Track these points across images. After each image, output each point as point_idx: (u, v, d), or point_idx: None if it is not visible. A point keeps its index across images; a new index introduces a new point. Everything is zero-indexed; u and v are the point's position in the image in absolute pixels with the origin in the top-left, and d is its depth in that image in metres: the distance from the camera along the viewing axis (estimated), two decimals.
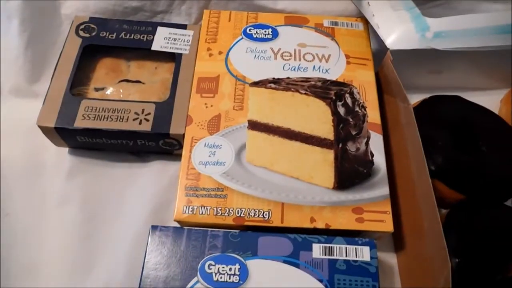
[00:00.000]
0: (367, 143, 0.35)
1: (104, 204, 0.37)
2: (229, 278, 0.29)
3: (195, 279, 0.29)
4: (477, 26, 0.39)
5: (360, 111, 0.36)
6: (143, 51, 0.39)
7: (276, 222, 0.31)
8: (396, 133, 0.37)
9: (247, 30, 0.39)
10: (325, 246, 0.30)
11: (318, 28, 0.40)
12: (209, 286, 0.28)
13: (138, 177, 0.38)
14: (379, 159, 0.34)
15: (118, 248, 0.35)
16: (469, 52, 0.39)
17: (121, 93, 0.37)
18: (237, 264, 0.29)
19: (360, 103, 0.36)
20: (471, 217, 0.33)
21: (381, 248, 0.36)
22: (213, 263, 0.29)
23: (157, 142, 0.35)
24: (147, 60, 0.40)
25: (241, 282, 0.28)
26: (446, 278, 0.27)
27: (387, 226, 0.31)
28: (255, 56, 0.38)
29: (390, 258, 0.36)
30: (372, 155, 0.34)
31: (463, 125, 0.37)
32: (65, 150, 0.38)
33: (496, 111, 0.42)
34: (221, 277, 0.29)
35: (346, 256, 0.30)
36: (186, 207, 0.31)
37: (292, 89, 0.36)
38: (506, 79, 0.43)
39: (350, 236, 0.31)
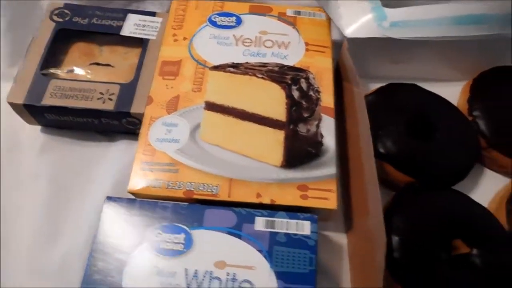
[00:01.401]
0: (318, 125, 0.36)
1: (72, 179, 0.39)
2: (174, 246, 0.30)
3: (142, 246, 0.30)
4: (434, 17, 0.40)
5: (314, 95, 0.37)
6: (116, 37, 0.41)
7: (223, 197, 0.32)
8: (351, 117, 0.39)
9: (212, 17, 0.41)
10: (267, 220, 0.31)
11: (281, 17, 0.42)
12: (155, 252, 0.30)
13: (105, 154, 0.40)
14: (330, 141, 0.35)
15: (82, 219, 0.37)
16: (431, 43, 0.40)
17: (90, 75, 0.39)
18: (183, 234, 0.31)
19: (315, 87, 0.38)
20: (416, 198, 0.35)
21: (333, 228, 0.38)
22: (160, 232, 0.31)
23: (120, 121, 0.37)
24: (119, 46, 0.42)
25: (185, 250, 0.30)
26: (381, 255, 0.28)
27: (331, 203, 0.33)
28: (218, 42, 0.40)
29: (340, 238, 0.37)
30: (322, 136, 0.35)
31: (418, 112, 0.38)
32: (38, 128, 0.41)
33: (456, 102, 0.43)
34: (167, 245, 0.30)
35: (287, 229, 0.31)
36: (140, 180, 0.33)
37: (250, 73, 0.37)
38: (468, 71, 0.44)
39: (298, 212, 0.32)
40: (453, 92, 0.44)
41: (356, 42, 0.40)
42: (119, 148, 0.40)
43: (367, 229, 0.33)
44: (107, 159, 0.39)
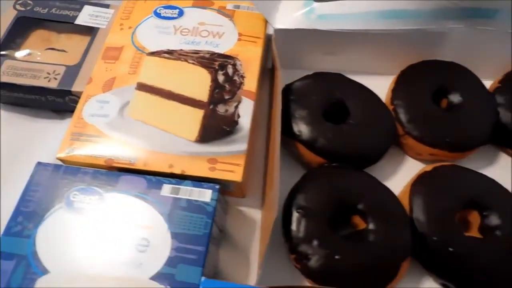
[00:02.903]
0: (236, 107, 0.39)
1: (22, 151, 0.43)
2: (87, 205, 0.34)
3: (60, 204, 0.34)
4: (359, 11, 0.42)
5: (238, 79, 0.40)
6: (73, 26, 0.46)
7: (139, 166, 0.36)
8: (275, 102, 0.41)
9: (157, 10, 0.45)
10: (173, 187, 0.34)
11: (221, 10, 0.45)
12: (68, 209, 0.33)
13: (54, 130, 0.44)
14: (246, 121, 0.38)
15: (22, 183, 0.40)
16: (363, 37, 0.43)
17: (44, 58, 0.43)
18: (97, 196, 0.34)
19: (240, 73, 0.41)
20: (320, 178, 0.36)
21: (252, 204, 0.40)
22: (77, 193, 0.34)
23: (63, 98, 0.41)
24: (75, 34, 0.46)
25: (96, 208, 0.34)
26: (270, 222, 0.31)
27: (236, 176, 0.35)
28: (158, 31, 0.43)
29: (256, 214, 0.39)
30: (239, 116, 0.38)
31: (336, 99, 0.41)
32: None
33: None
34: (80, 205, 0.34)
35: (190, 196, 0.34)
36: (68, 148, 0.37)
37: (182, 59, 0.41)
38: (401, 64, 0.45)
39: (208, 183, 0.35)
40: (387, 84, 0.46)
41: (285, 33, 0.43)
42: (67, 125, 0.44)
43: (269, 201, 0.35)
44: (55, 133, 0.43)
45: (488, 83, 0.44)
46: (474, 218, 0.36)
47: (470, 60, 0.44)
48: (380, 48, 0.45)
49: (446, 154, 0.39)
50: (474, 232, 0.35)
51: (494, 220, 0.34)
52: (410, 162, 0.42)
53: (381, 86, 0.45)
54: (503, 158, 0.42)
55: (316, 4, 0.42)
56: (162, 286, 0.30)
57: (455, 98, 0.41)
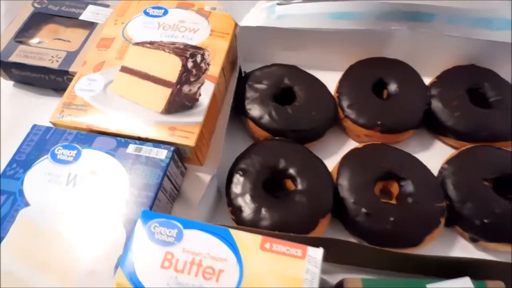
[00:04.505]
0: (199, 88, 0.46)
1: (26, 119, 0.51)
2: (67, 158, 0.41)
3: (46, 156, 0.41)
4: (313, 12, 0.49)
5: (204, 66, 0.47)
6: (79, 22, 0.55)
7: (113, 130, 0.43)
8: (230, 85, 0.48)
9: (147, 9, 0.54)
10: (137, 146, 0.41)
11: (199, 11, 0.53)
12: (52, 160, 0.41)
13: (52, 104, 0.51)
14: (205, 99, 0.45)
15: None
16: (316, 34, 0.49)
17: (50, 46, 0.52)
18: (75, 150, 0.42)
19: (207, 61, 0.48)
20: (261, 148, 0.42)
21: (208, 171, 0.46)
22: (61, 148, 0.42)
23: (62, 78, 0.50)
24: (80, 28, 0.55)
25: (73, 161, 0.41)
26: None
27: (190, 141, 0.42)
28: (145, 26, 0.52)
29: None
30: (200, 95, 0.45)
31: (285, 84, 0.47)
32: (11, 83, 0.55)
33: None
34: (62, 157, 0.41)
35: (149, 154, 0.41)
36: (59, 114, 0.45)
37: (160, 48, 0.49)
38: (353, 62, 0.51)
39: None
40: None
41: (249, 31, 0.50)
42: None
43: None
44: (53, 107, 0.51)
45: (430, 81, 0.50)
46: (395, 188, 0.41)
47: (414, 59, 0.49)
48: (333, 46, 0.51)
49: (379, 136, 0.44)
50: (393, 200, 0.40)
51: (408, 189, 0.39)
52: (351, 143, 0.47)
53: (334, 80, 0.51)
54: (437, 144, 0.47)
55: (277, 6, 0.50)
56: (119, 221, 0.37)
57: (393, 88, 0.46)
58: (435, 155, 0.45)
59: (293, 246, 0.31)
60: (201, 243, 0.32)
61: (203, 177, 0.46)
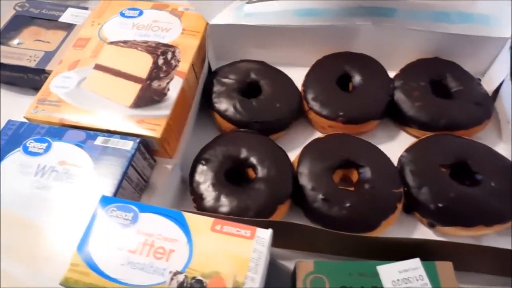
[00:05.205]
0: (168, 83, 0.47)
1: (6, 116, 0.52)
2: (38, 150, 0.43)
3: (18, 149, 0.43)
4: (278, 10, 0.50)
5: (174, 63, 0.49)
6: (60, 24, 0.57)
7: (84, 124, 0.45)
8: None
9: (123, 11, 0.56)
10: (105, 138, 0.43)
11: (173, 12, 0.55)
12: (23, 152, 0.42)
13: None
14: (173, 93, 0.46)
15: None
16: (283, 31, 0.51)
17: (30, 46, 0.55)
18: (46, 143, 0.43)
19: (177, 58, 0.50)
20: (225, 138, 0.44)
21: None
22: (32, 141, 0.44)
23: (40, 76, 0.52)
24: (60, 30, 0.57)
25: (44, 153, 0.42)
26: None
27: (156, 133, 0.43)
28: (120, 27, 0.54)
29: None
30: (168, 90, 0.47)
31: (253, 79, 0.48)
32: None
33: None
34: (33, 149, 0.43)
35: (116, 145, 0.42)
36: (33, 110, 0.46)
37: (133, 47, 0.51)
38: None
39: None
40: None
41: (219, 28, 0.51)
42: None
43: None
44: None
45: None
46: (355, 176, 0.42)
47: (381, 53, 0.51)
48: (301, 43, 0.53)
49: (341, 126, 0.45)
50: (352, 187, 0.41)
51: (366, 175, 0.40)
52: (316, 135, 0.48)
53: (303, 75, 0.52)
54: (402, 134, 0.48)
55: (245, 5, 0.51)
56: (84, 208, 0.38)
57: (357, 81, 0.48)
58: (399, 145, 0.46)
59: (242, 228, 0.32)
60: (154, 225, 0.33)
61: (172, 170, 0.47)
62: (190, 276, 0.30)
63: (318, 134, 0.48)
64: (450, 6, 0.46)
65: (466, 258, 0.36)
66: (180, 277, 0.30)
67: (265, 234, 0.32)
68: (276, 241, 0.39)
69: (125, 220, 0.33)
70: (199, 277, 0.30)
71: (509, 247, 0.35)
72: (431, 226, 0.40)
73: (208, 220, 0.33)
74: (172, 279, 0.30)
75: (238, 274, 0.30)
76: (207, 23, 0.53)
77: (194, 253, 0.31)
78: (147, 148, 0.45)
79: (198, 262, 0.31)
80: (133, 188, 0.43)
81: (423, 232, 0.41)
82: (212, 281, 0.30)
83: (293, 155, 0.44)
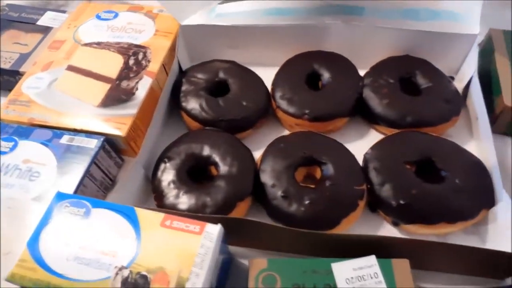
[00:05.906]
0: (137, 82, 0.48)
1: None
2: (4, 149, 0.43)
3: None
4: (249, 10, 0.51)
5: (144, 63, 0.49)
6: (38, 27, 0.58)
7: (52, 123, 0.45)
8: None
9: (99, 14, 0.56)
10: (70, 137, 0.43)
11: (147, 14, 0.56)
12: None
13: None
14: (142, 93, 0.47)
15: None
16: (257, 32, 0.51)
17: (7, 49, 0.55)
18: (13, 142, 0.44)
19: (148, 58, 0.50)
20: (189, 137, 0.43)
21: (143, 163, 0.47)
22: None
23: (15, 77, 0.53)
24: (38, 33, 0.58)
25: (10, 151, 0.43)
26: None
27: (121, 132, 0.43)
28: (95, 29, 0.54)
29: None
30: (137, 89, 0.47)
31: (221, 78, 0.48)
32: None
33: None
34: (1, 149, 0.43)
35: (80, 144, 0.42)
36: (4, 110, 0.47)
37: (106, 48, 0.51)
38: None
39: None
40: None
41: (191, 29, 0.52)
42: None
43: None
44: None
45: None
46: (318, 173, 0.41)
47: (351, 52, 0.50)
48: (273, 43, 0.52)
49: (308, 124, 0.45)
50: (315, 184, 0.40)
51: (328, 172, 0.39)
52: (285, 133, 0.47)
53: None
54: (371, 132, 0.47)
55: (217, 6, 0.52)
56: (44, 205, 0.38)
57: (326, 79, 0.47)
58: (368, 143, 0.45)
59: (192, 223, 0.32)
60: (105, 221, 0.33)
61: (139, 168, 0.47)
62: (135, 271, 0.30)
63: (286, 133, 0.48)
64: (417, 4, 0.46)
65: (426, 256, 0.35)
66: (125, 272, 0.30)
67: (214, 230, 0.32)
68: (236, 240, 0.39)
69: (76, 216, 0.33)
70: (144, 273, 0.30)
71: (476, 245, 0.34)
72: (395, 224, 0.39)
73: (159, 216, 0.33)
74: (117, 274, 0.30)
75: (183, 270, 0.30)
76: (179, 24, 0.54)
77: (141, 249, 0.31)
78: (113, 147, 0.45)
79: (145, 258, 0.31)
80: (97, 187, 0.43)
81: (389, 231, 0.40)
82: (156, 276, 0.30)
83: (260, 153, 0.44)
